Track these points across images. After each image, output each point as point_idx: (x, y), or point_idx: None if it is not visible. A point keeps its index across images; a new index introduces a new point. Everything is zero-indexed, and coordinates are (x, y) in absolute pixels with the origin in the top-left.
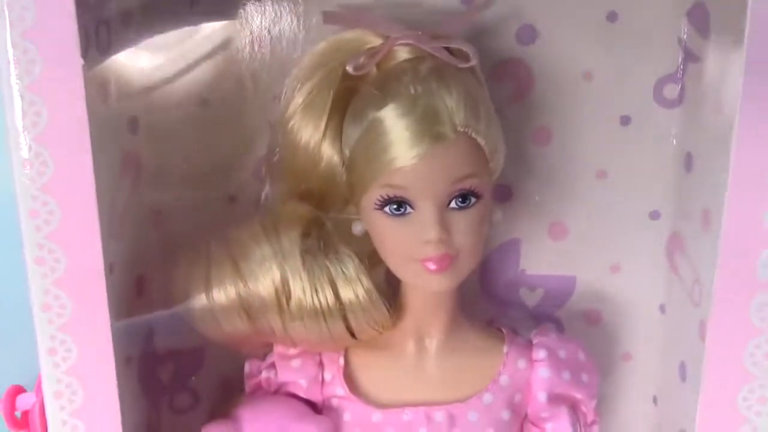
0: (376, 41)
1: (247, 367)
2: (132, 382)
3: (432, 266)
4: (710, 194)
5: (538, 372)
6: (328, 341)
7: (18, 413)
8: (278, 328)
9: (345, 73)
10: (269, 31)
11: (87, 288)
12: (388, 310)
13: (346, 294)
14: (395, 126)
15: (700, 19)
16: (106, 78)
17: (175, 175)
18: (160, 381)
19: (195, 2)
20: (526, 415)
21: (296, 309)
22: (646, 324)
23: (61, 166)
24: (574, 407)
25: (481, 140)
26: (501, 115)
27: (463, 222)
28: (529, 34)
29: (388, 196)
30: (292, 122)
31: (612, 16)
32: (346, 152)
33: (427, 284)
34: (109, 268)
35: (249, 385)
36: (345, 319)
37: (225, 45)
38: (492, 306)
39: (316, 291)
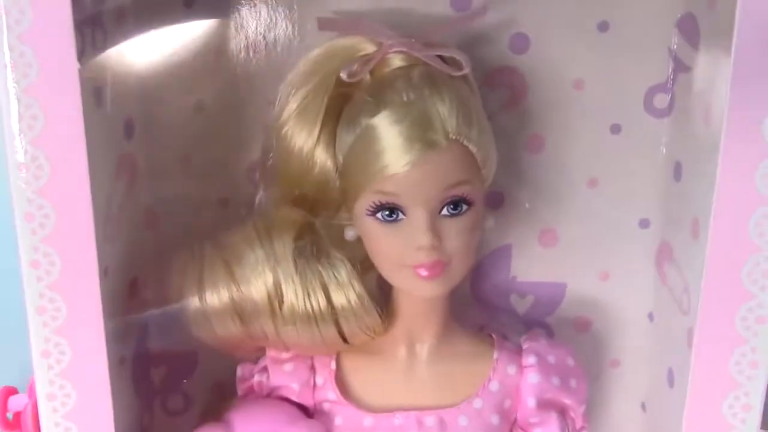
0: (370, 48)
1: (239, 371)
2: (125, 384)
3: (424, 272)
4: (699, 203)
5: (528, 377)
6: (320, 345)
7: (10, 414)
8: (271, 332)
9: (339, 80)
10: (264, 36)
11: (81, 291)
12: (379, 315)
13: (339, 299)
14: (388, 133)
15: (689, 30)
16: (101, 81)
17: (170, 178)
18: (153, 383)
19: (189, 6)
20: (515, 420)
21: (289, 313)
22: (635, 331)
23: (56, 169)
24: (563, 413)
25: (473, 148)
26: (493, 123)
27: (455, 229)
28: (521, 43)
29: (380, 202)
30: (286, 128)
31: (603, 26)
32: (340, 158)
33: (418, 290)
34: (104, 271)
35: (241, 388)
36: (337, 324)
37: (219, 49)
38: (482, 312)
39: (309, 295)
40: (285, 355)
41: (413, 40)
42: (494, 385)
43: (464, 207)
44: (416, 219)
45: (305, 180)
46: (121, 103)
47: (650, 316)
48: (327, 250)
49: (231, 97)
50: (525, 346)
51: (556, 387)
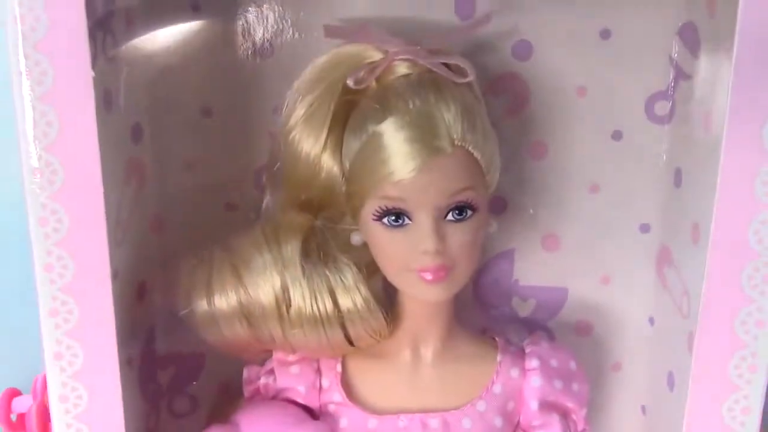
0: (376, 55)
1: (245, 373)
2: (132, 386)
3: (429, 276)
4: (699, 209)
5: (531, 381)
6: (326, 348)
7: (14, 416)
8: (278, 335)
9: (345, 87)
10: (270, 42)
11: (93, 294)
12: (385, 319)
13: (345, 302)
14: (394, 139)
15: (690, 38)
16: (111, 85)
17: (177, 183)
18: (159, 385)
19: (197, 11)
20: (518, 422)
21: (296, 316)
22: (636, 335)
23: (70, 175)
24: (565, 415)
25: (477, 154)
26: (497, 129)
27: (459, 234)
28: (525, 50)
29: (386, 207)
30: (293, 133)
31: (605, 34)
32: (346, 164)
33: (423, 294)
34: (114, 275)
35: (248, 390)
36: (343, 327)
37: (227, 54)
38: (485, 315)
39: (316, 299)
40: (291, 358)
41: (418, 47)
42: (497, 388)
43: (469, 212)
44: (422, 224)
45: (312, 185)
46: (129, 108)
47: (651, 320)
48: (333, 254)
49: (237, 103)
50: (528, 349)
51: (559, 390)
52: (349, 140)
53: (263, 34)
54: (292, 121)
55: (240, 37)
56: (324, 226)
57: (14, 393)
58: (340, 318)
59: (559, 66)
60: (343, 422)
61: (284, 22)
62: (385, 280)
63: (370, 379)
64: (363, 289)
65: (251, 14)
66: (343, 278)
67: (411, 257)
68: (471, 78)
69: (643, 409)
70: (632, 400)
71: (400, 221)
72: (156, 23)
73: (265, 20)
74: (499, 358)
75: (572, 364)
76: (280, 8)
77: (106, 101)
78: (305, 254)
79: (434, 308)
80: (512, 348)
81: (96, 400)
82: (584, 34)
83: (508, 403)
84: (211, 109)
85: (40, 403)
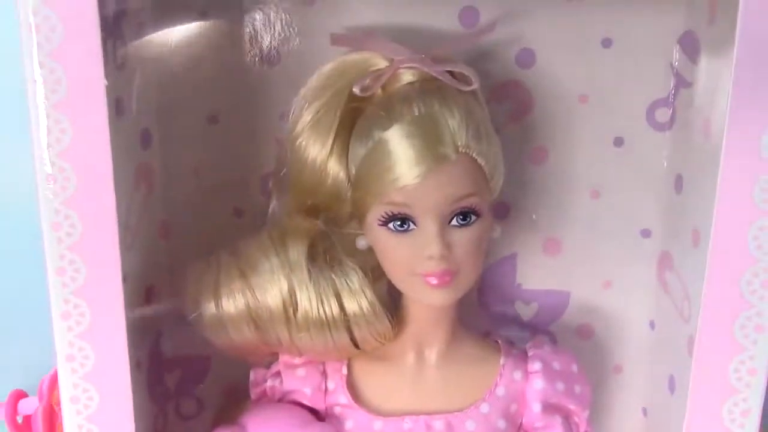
0: (381, 63)
1: (252, 376)
2: (141, 389)
3: (433, 281)
4: (699, 214)
5: (533, 383)
6: (332, 351)
7: (20, 418)
8: (285, 338)
9: (351, 94)
10: (277, 50)
11: (105, 298)
12: (390, 322)
13: (351, 306)
14: (399, 146)
15: (690, 46)
16: (121, 91)
17: (184, 188)
18: (167, 387)
19: (205, 19)
20: (521, 424)
21: (302, 320)
22: (637, 338)
23: (83, 181)
24: (567, 417)
25: (481, 160)
26: (500, 135)
27: (463, 239)
28: (528, 58)
29: (392, 212)
30: (300, 140)
31: (607, 42)
32: (352, 170)
33: (428, 298)
34: (123, 278)
35: (254, 392)
36: (349, 330)
37: (234, 61)
38: (488, 319)
39: (322, 302)
40: (297, 361)
41: (423, 56)
42: (501, 390)
43: (473, 218)
44: (427, 229)
45: (318, 190)
46: (139, 114)
47: (651, 324)
48: (339, 259)
49: (245, 109)
50: (530, 352)
51: (561, 392)
52: (355, 146)
53: (270, 42)
54: (299, 127)
55: (247, 45)
56: (330, 231)
57: (20, 395)
58: (346, 321)
59: (562, 73)
60: (349, 424)
61: (291, 29)
62: (390, 284)
63: (375, 381)
64: (369, 293)
65: (258, 22)
66: (349, 282)
67: (416, 262)
68: (475, 86)
69: (644, 411)
70: (633, 403)
71: (406, 226)
72: (165, 31)
73: (272, 28)
74: (502, 361)
75: (574, 367)
76: (287, 16)
77: (117, 108)
78: (312, 258)
79: (439, 312)
80: (515, 351)
81: (107, 401)
82: (586, 42)
83: (511, 406)
84: (219, 116)
85: (47, 405)
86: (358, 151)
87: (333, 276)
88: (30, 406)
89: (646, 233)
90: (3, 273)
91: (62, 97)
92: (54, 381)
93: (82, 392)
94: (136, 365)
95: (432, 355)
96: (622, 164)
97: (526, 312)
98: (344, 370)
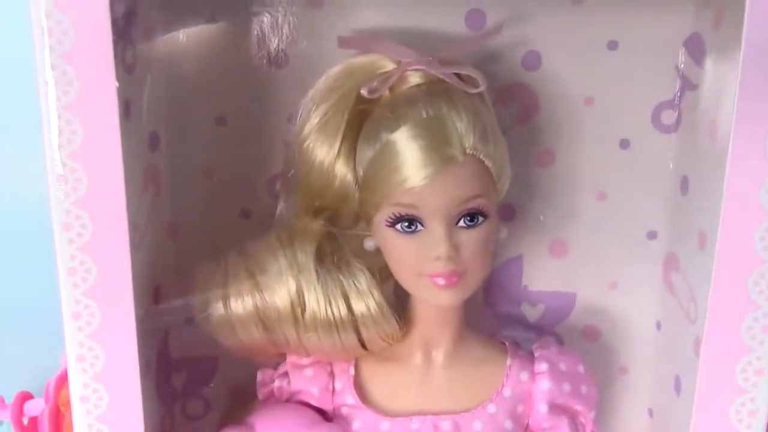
0: (388, 66)
1: (259, 376)
2: (149, 389)
3: (441, 282)
4: (705, 216)
5: (540, 384)
6: (340, 352)
7: (26, 419)
8: (293, 338)
9: (359, 96)
10: (285, 52)
11: (115, 298)
12: (398, 323)
13: (359, 306)
14: (407, 148)
15: (696, 49)
16: (131, 95)
17: (192, 190)
18: (174, 388)
19: (213, 22)
20: (527, 425)
21: (310, 320)
22: (643, 339)
23: (94, 182)
24: (573, 418)
25: (488, 162)
26: (506, 137)
27: (471, 240)
28: (534, 61)
29: (399, 214)
30: (307, 142)
31: (613, 45)
32: (360, 171)
33: (436, 299)
34: (133, 279)
35: (262, 393)
36: (357, 331)
37: (242, 64)
38: (495, 320)
39: (330, 303)
40: (305, 361)
41: (430, 58)
42: (507, 391)
43: (480, 219)
44: (434, 230)
45: (326, 192)
46: (147, 116)
47: (657, 325)
48: (347, 260)
49: (252, 111)
50: (537, 353)
51: (567, 393)
52: (362, 148)
53: (278, 45)
54: (307, 129)
55: (255, 47)
56: (337, 232)
57: (26, 396)
58: (353, 322)
59: (568, 76)
60: (356, 425)
61: (299, 32)
62: (397, 284)
63: (382, 381)
64: (376, 294)
65: (266, 25)
66: (356, 283)
67: (424, 263)
68: (482, 88)
69: (650, 412)
70: (639, 404)
71: (413, 227)
72: (173, 34)
73: (280, 31)
74: (508, 361)
75: (580, 368)
76: (295, 19)
77: (125, 110)
78: (319, 259)
79: (446, 313)
80: (521, 352)
81: (116, 401)
82: (592, 44)
83: (518, 406)
84: (227, 117)
85: (53, 406)
86: (365, 153)
87: (341, 277)
88: (36, 407)
89: (652, 235)
90: (8, 275)
91: (74, 99)
92: (60, 383)
93: (92, 392)
94: (144, 366)
95: (439, 355)
96: (628, 166)
97: (532, 313)
98: (352, 371)
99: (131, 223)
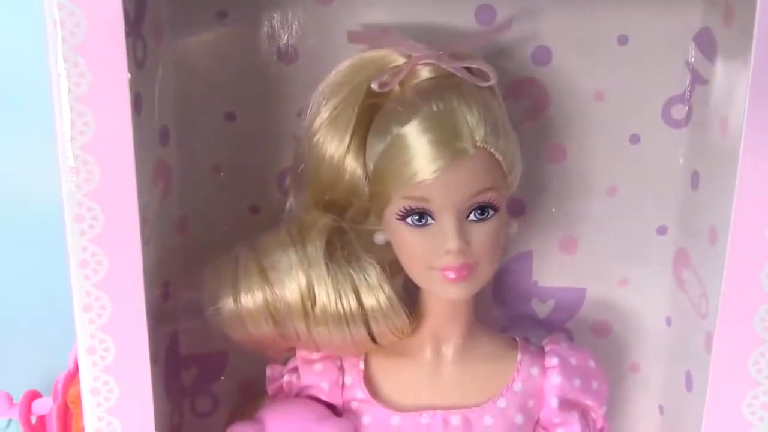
0: (399, 60)
1: (269, 371)
2: (159, 385)
3: (451, 275)
4: (716, 211)
5: (551, 379)
6: (350, 346)
7: (34, 418)
8: (303, 333)
9: (369, 90)
10: (295, 48)
11: (126, 290)
12: (408, 317)
13: (369, 301)
14: (418, 141)
15: (707, 43)
16: (140, 90)
17: (201, 185)
18: (183, 384)
19: (223, 17)
20: (538, 420)
21: (321, 314)
22: (653, 336)
23: (106, 174)
24: (584, 413)
25: (499, 156)
26: (516, 133)
27: (481, 233)
28: (544, 56)
29: (410, 207)
30: (317, 136)
31: (623, 40)
32: (370, 165)
33: (446, 293)
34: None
35: (271, 388)
36: (367, 325)
37: (252, 59)
38: (505, 316)
39: (340, 297)
40: (315, 356)
41: (441, 52)
42: (518, 386)
43: (490, 212)
44: (445, 224)
45: (336, 186)
46: (157, 111)
47: (668, 321)
48: (357, 254)
49: (262, 106)
50: (547, 348)
51: (578, 388)
52: (373, 142)
53: (288, 40)
54: (317, 124)
55: (265, 42)
56: (348, 226)
57: (34, 395)
58: (363, 316)
59: (578, 71)
60: (366, 419)
61: (308, 28)
62: (407, 279)
63: (392, 376)
64: (386, 288)
65: (276, 20)
66: (366, 277)
67: (434, 256)
68: (493, 81)
69: (661, 408)
70: (650, 400)
71: (424, 221)
72: (183, 29)
73: (289, 26)
74: (519, 356)
75: (591, 363)
76: (305, 14)
77: (135, 105)
78: (329, 253)
79: (456, 307)
80: (532, 347)
81: (127, 393)
82: (602, 39)
83: (529, 401)
84: (236, 112)
85: (61, 404)
86: (376, 146)
87: (351, 271)
88: (44, 406)
89: (662, 230)
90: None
91: (86, 91)
92: (69, 381)
93: (102, 384)
94: (153, 361)
95: (449, 350)
96: (639, 161)
97: (542, 309)
98: (361, 365)
99: (141, 217)
